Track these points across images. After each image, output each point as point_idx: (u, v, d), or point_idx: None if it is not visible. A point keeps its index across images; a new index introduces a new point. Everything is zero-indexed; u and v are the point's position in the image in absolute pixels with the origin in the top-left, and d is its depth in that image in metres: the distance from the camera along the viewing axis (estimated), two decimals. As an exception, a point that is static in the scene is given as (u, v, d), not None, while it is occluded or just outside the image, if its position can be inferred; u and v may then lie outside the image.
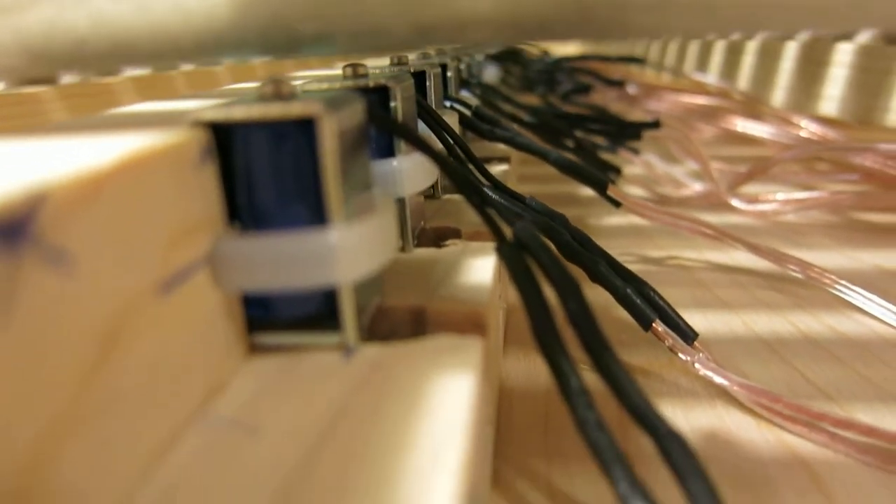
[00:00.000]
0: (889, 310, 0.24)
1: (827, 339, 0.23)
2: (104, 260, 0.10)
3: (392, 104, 0.19)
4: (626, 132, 0.46)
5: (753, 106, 0.62)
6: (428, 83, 0.26)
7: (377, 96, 0.19)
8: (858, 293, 0.25)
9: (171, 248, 0.12)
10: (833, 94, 0.64)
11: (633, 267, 0.23)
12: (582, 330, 0.14)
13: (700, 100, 0.66)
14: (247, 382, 0.14)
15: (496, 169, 0.32)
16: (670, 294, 0.22)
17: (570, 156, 0.28)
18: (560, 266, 0.15)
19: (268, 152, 0.14)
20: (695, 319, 0.22)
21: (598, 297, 0.19)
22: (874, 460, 0.16)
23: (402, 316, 0.16)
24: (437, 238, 0.22)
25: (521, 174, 0.45)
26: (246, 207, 0.14)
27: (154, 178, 0.12)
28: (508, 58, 0.80)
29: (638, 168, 0.47)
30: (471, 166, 0.24)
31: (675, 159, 0.49)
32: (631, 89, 0.72)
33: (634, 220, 0.35)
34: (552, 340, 0.14)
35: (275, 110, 0.14)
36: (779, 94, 0.73)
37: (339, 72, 0.20)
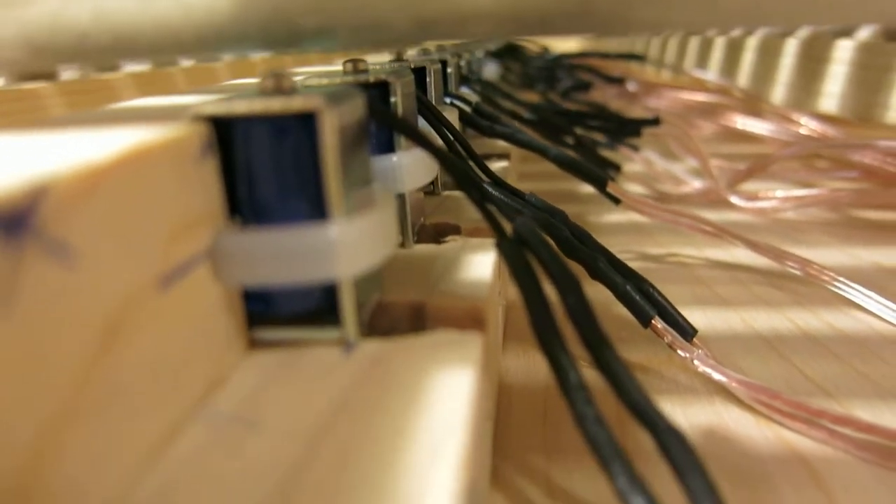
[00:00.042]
0: (888, 307, 0.24)
1: (826, 336, 0.23)
2: (105, 253, 0.10)
3: (392, 100, 0.19)
4: (626, 129, 0.46)
5: (753, 103, 0.62)
6: (428, 79, 0.26)
7: (377, 92, 0.19)
8: (857, 290, 0.25)
9: (172, 242, 0.12)
10: (833, 90, 0.64)
11: (633, 264, 0.23)
12: (581, 326, 0.14)
13: (700, 97, 0.66)
14: (247, 377, 0.14)
15: (496, 165, 0.32)
16: (670, 291, 0.22)
17: (570, 153, 0.28)
18: (560, 262, 0.15)
19: (268, 147, 0.14)
20: (694, 316, 0.22)
21: (597, 293, 0.19)
22: (872, 457, 0.16)
23: (402, 311, 0.16)
24: (437, 234, 0.22)
25: (521, 171, 0.45)
26: (246, 202, 0.14)
27: (155, 172, 0.12)
28: (508, 54, 0.80)
29: (638, 165, 0.47)
30: (471, 163, 0.24)
31: (674, 156, 0.49)
32: (631, 86, 0.72)
33: (634, 217, 0.35)
34: (551, 336, 0.14)
35: (276, 105, 0.14)
36: (779, 90, 0.72)
37: (339, 67, 0.20)
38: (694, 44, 0.95)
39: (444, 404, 0.12)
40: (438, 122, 0.23)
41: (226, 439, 0.12)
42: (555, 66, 0.77)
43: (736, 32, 0.86)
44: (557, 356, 0.13)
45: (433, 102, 0.25)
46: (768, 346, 0.22)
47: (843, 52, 0.63)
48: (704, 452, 0.12)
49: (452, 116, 0.28)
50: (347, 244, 0.14)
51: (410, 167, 0.20)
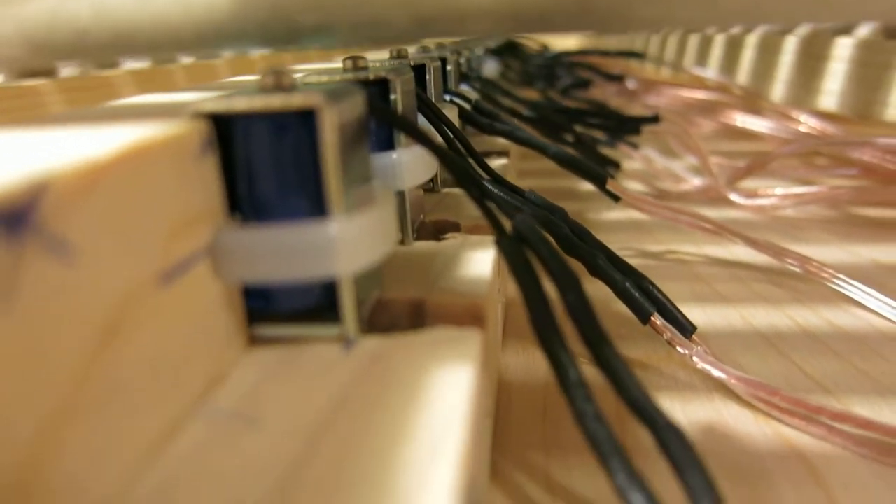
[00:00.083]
0: (887, 304, 0.24)
1: (825, 333, 0.23)
2: (105, 250, 0.10)
3: (392, 97, 0.19)
4: (626, 127, 0.46)
5: (753, 101, 0.62)
6: (428, 77, 0.26)
7: (377, 89, 0.19)
8: (856, 287, 0.25)
9: (172, 239, 0.12)
10: (832, 88, 0.64)
11: (632, 261, 0.23)
12: (581, 323, 0.14)
13: (699, 94, 0.66)
14: (247, 374, 0.14)
15: (495, 163, 0.32)
16: (669, 288, 0.22)
17: (570, 150, 0.28)
18: (559, 259, 0.15)
19: (268, 144, 0.14)
20: (693, 313, 0.22)
21: (597, 291, 0.19)
22: (871, 453, 0.16)
23: (402, 308, 0.17)
24: (437, 231, 0.22)
25: (521, 169, 0.45)
26: (246, 199, 0.14)
27: (155, 169, 0.12)
28: (508, 52, 0.80)
29: (637, 163, 0.47)
30: (470, 160, 0.24)
31: (674, 154, 0.49)
32: (630, 84, 0.71)
33: (633, 214, 0.35)
34: (551, 333, 0.14)
35: (276, 102, 0.14)
36: (778, 88, 0.72)
37: (338, 65, 0.20)
38: (693, 41, 0.95)
39: (443, 401, 0.12)
40: (438, 119, 0.23)
41: (226, 436, 0.12)
42: (554, 64, 0.77)
43: (735, 30, 0.86)
44: (557, 353, 0.13)
45: (433, 100, 0.25)
46: (767, 343, 0.22)
47: (843, 49, 0.63)
48: (703, 449, 0.12)
49: (452, 114, 0.28)
50: (347, 241, 0.14)
51: (410, 164, 0.20)
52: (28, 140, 0.12)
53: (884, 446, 0.16)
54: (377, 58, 0.25)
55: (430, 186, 0.27)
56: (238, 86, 0.21)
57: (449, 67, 0.32)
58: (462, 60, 0.41)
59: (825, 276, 0.26)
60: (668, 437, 0.12)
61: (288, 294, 0.15)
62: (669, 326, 0.21)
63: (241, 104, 0.14)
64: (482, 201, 0.16)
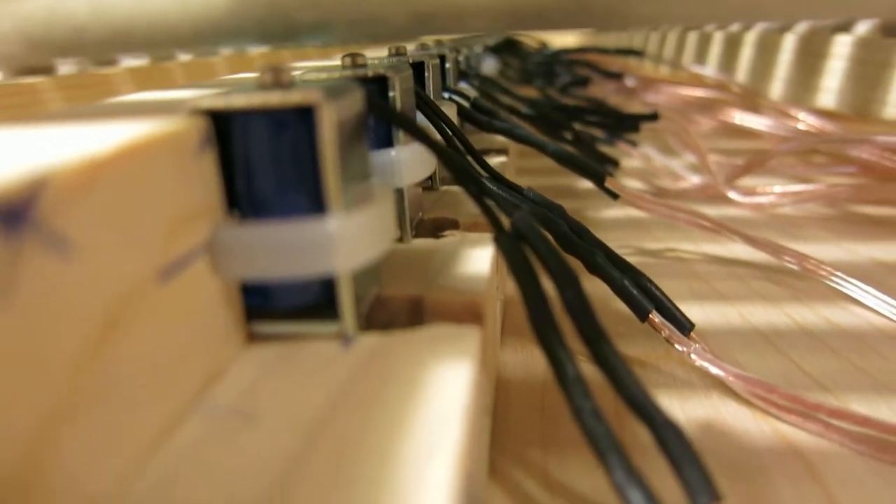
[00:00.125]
0: (884, 301, 0.24)
1: (823, 331, 0.23)
2: (104, 246, 0.10)
3: (391, 94, 0.19)
4: (625, 124, 0.46)
5: (751, 98, 0.62)
6: (426, 74, 0.26)
7: (376, 86, 0.19)
8: (854, 285, 0.25)
9: (171, 236, 0.12)
10: (831, 86, 0.64)
11: (631, 259, 0.23)
12: (579, 320, 0.14)
13: (698, 92, 0.66)
14: (245, 371, 0.14)
15: (494, 161, 0.32)
16: (667, 286, 0.22)
17: (568, 148, 0.28)
18: (558, 257, 0.15)
19: (267, 141, 0.14)
20: (692, 311, 0.22)
21: (595, 288, 0.19)
22: (868, 450, 0.16)
23: (400, 305, 0.17)
24: (435, 229, 0.22)
25: (520, 166, 0.45)
26: (245, 196, 0.14)
27: (153, 165, 0.12)
28: (507, 50, 0.80)
29: (636, 160, 0.47)
30: (469, 158, 0.24)
31: (672, 152, 0.49)
32: (629, 82, 0.71)
33: (632, 212, 0.35)
34: (549, 330, 0.14)
35: (274, 98, 0.14)
36: (777, 86, 0.72)
37: (337, 62, 0.20)
38: (692, 39, 0.95)
39: (441, 398, 0.12)
40: (437, 117, 0.23)
41: (224, 433, 0.12)
42: (553, 62, 0.77)
43: (734, 27, 0.86)
44: (555, 350, 0.14)
45: (431, 97, 0.25)
46: (765, 340, 0.22)
47: (842, 47, 0.63)
48: (701, 446, 0.12)
49: (451, 112, 0.28)
50: (346, 238, 0.14)
51: (409, 162, 0.20)
52: (27, 137, 0.12)
53: (881, 443, 0.16)
54: (376, 55, 0.25)
55: (428, 184, 0.27)
56: (237, 83, 0.21)
57: (448, 65, 0.32)
58: (461, 58, 0.41)
59: (823, 273, 0.26)
60: (667, 434, 0.12)
61: (286, 291, 0.15)
62: (668, 324, 0.21)
63: (239, 101, 0.14)
64: (481, 199, 0.16)
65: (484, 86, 0.41)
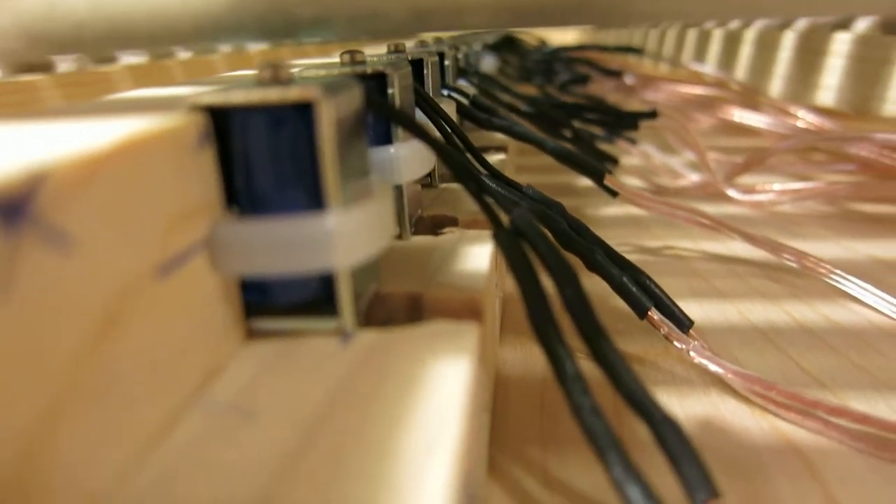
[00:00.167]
0: (883, 299, 0.24)
1: (822, 328, 0.23)
2: (103, 241, 0.10)
3: (390, 91, 0.19)
4: (624, 122, 0.46)
5: (751, 96, 0.62)
6: (425, 71, 0.26)
7: (375, 83, 0.19)
8: (853, 283, 0.25)
9: (170, 232, 0.12)
10: (830, 83, 0.64)
11: (630, 256, 0.23)
12: (578, 317, 0.14)
13: (697, 90, 0.66)
14: (244, 367, 0.14)
15: (493, 158, 0.32)
16: (666, 283, 0.22)
17: (568, 145, 0.28)
18: (557, 254, 0.15)
19: (266, 137, 0.14)
20: (691, 308, 0.22)
21: (594, 286, 0.19)
22: (867, 447, 0.16)
23: (399, 302, 0.17)
24: (434, 226, 0.22)
25: (519, 164, 0.45)
26: (244, 192, 0.14)
27: (152, 161, 0.12)
28: (506, 47, 0.80)
29: (635, 158, 0.47)
30: (468, 155, 0.24)
31: (672, 149, 0.49)
32: (628, 79, 0.71)
33: (631, 209, 0.35)
34: (548, 327, 0.14)
35: (273, 95, 0.14)
36: (776, 83, 0.72)
37: (336, 59, 0.20)
38: (692, 36, 0.95)
39: (440, 395, 0.12)
40: (436, 114, 0.23)
41: (223, 429, 0.12)
42: (552, 59, 0.77)
43: (734, 25, 0.86)
44: (554, 347, 0.14)
45: (430, 94, 0.25)
46: (764, 338, 0.22)
47: (841, 44, 0.63)
48: (700, 443, 0.12)
49: (450, 109, 0.28)
50: (344, 234, 0.14)
51: (408, 159, 0.20)
52: (26, 132, 0.12)
53: (880, 441, 0.16)
54: (375, 52, 0.25)
55: (427, 181, 0.27)
56: (235, 80, 0.21)
57: (447, 62, 0.32)
58: (460, 55, 0.41)
59: (822, 271, 0.26)
60: (665, 431, 0.12)
61: (285, 287, 0.15)
62: (667, 321, 0.21)
63: (238, 97, 0.14)
64: (480, 196, 0.16)
65: (483, 83, 0.41)
